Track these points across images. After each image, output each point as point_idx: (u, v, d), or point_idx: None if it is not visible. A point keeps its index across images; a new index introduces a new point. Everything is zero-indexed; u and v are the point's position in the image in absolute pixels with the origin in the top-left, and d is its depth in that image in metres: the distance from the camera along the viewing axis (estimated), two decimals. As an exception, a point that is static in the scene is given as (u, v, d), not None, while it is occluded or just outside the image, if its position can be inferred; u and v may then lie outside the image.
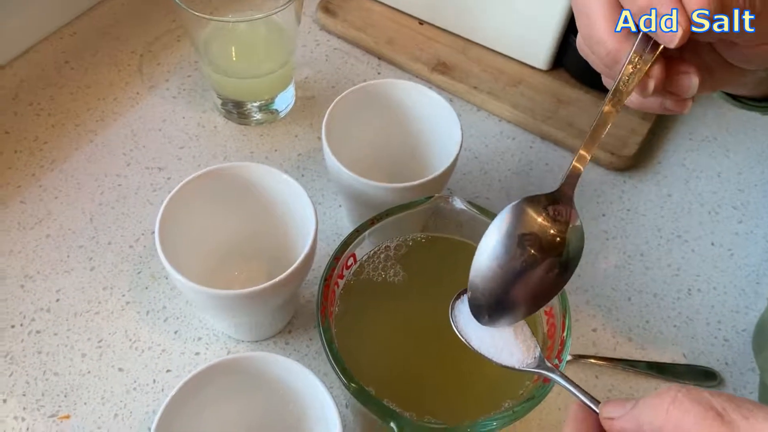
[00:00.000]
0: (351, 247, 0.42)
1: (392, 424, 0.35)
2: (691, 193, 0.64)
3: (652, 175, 0.65)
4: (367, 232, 0.42)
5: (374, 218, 0.43)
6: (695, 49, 0.35)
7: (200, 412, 0.41)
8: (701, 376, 0.53)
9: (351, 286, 0.43)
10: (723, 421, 0.26)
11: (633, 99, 0.36)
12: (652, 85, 0.34)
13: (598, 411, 0.31)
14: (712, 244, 0.60)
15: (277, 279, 0.43)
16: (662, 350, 0.54)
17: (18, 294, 0.54)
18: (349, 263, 0.43)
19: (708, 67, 0.36)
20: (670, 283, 0.58)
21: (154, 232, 0.45)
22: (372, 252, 0.44)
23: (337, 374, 0.37)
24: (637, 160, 0.64)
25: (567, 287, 0.56)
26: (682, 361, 0.54)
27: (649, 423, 0.28)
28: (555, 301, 0.40)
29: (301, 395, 0.41)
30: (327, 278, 0.40)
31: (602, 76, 0.37)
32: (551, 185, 0.62)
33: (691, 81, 0.34)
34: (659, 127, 0.68)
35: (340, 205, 0.60)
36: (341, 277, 0.42)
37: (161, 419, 0.39)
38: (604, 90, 0.36)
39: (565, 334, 0.39)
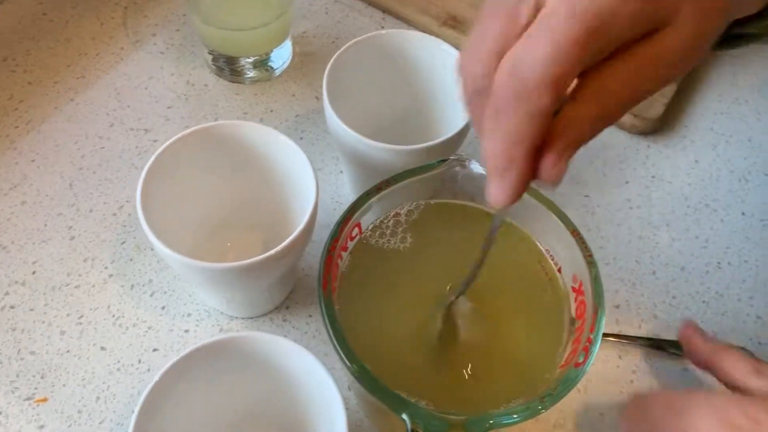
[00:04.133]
0: (357, 215, 0.37)
1: (404, 416, 0.31)
2: (720, 159, 0.59)
3: (678, 140, 0.60)
4: (374, 199, 0.38)
5: (382, 183, 0.38)
6: None
7: (188, 396, 0.37)
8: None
9: (355, 259, 0.38)
10: None
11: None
12: None
13: None
14: (743, 213, 0.56)
15: (273, 251, 0.39)
16: (690, 328, 0.50)
17: (-10, 266, 0.49)
18: (353, 234, 0.38)
19: None
20: (699, 255, 0.54)
21: (136, 199, 0.41)
22: (379, 221, 0.40)
23: (341, 358, 0.33)
24: (662, 123, 0.60)
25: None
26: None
27: None
28: (585, 277, 0.36)
29: (300, 378, 0.37)
30: (330, 249, 0.36)
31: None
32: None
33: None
34: (686, 90, 0.63)
35: (341, 171, 0.55)
36: (344, 248, 0.38)
37: (146, 403, 0.35)
38: None
39: (593, 334, 0.34)
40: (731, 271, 0.53)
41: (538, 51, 0.25)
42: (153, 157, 0.42)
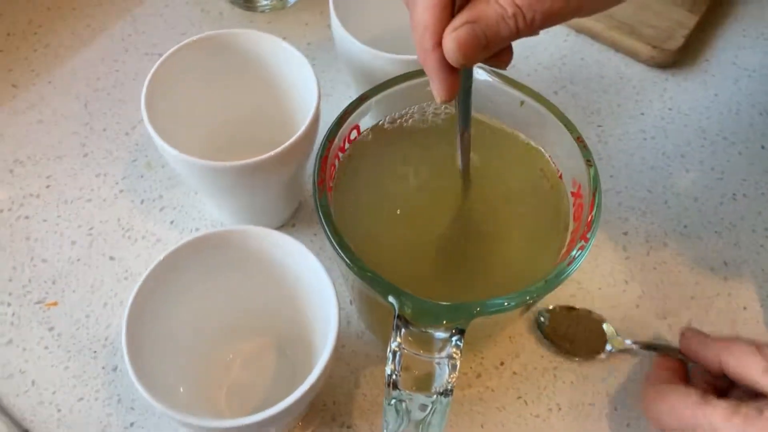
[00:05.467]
0: (354, 115, 0.37)
1: (391, 299, 0.31)
2: (741, 93, 0.57)
3: (698, 73, 0.58)
4: (373, 99, 0.38)
5: (382, 84, 0.38)
6: None
7: (183, 288, 0.38)
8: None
9: (354, 160, 0.38)
10: None
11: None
12: None
13: None
14: (763, 147, 0.54)
15: (274, 151, 0.39)
16: (701, 258, 0.49)
17: (7, 178, 0.50)
18: (352, 136, 0.38)
19: None
20: (713, 187, 0.52)
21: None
22: (379, 123, 0.39)
23: (332, 245, 0.33)
24: (682, 55, 0.58)
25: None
26: (722, 269, 0.49)
27: None
28: (584, 179, 0.35)
29: (295, 272, 0.38)
30: (327, 147, 0.36)
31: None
32: (584, 81, 0.57)
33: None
34: (709, 23, 0.61)
35: (350, 97, 0.55)
36: (342, 150, 0.38)
37: (140, 292, 0.35)
38: None
39: (594, 213, 0.34)
40: (747, 203, 0.52)
41: None
42: (156, 65, 0.42)
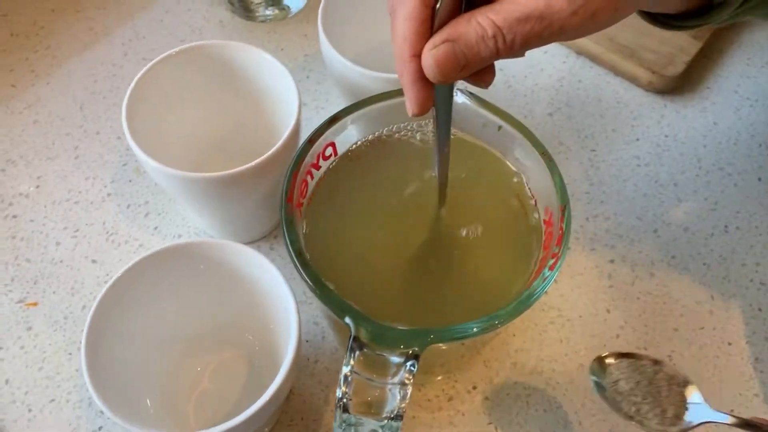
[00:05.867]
0: (328, 133, 0.37)
1: (347, 320, 0.31)
2: (741, 123, 0.56)
3: (698, 101, 0.57)
4: (349, 118, 0.37)
5: (360, 102, 0.38)
6: None
7: (147, 297, 0.38)
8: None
9: (328, 178, 0.38)
10: None
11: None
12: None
13: None
14: (759, 179, 0.53)
15: (254, 162, 0.39)
16: (687, 290, 0.48)
17: (-2, 177, 0.51)
18: (327, 153, 0.38)
19: None
20: (705, 217, 0.51)
21: (124, 110, 0.41)
22: (357, 143, 0.39)
23: (292, 259, 0.33)
24: (682, 81, 0.57)
25: (584, 214, 0.51)
26: (708, 302, 0.48)
27: None
28: (552, 200, 0.35)
29: (261, 285, 0.38)
30: (298, 163, 0.36)
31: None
32: (581, 104, 0.57)
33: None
34: (712, 49, 0.60)
35: (344, 110, 0.55)
36: (316, 167, 0.38)
37: (103, 300, 0.36)
38: None
39: (564, 225, 0.33)
40: (739, 236, 0.51)
41: None
42: (139, 74, 0.42)
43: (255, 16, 0.60)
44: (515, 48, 0.28)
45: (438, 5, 0.28)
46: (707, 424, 0.35)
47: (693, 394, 0.35)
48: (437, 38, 0.28)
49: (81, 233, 0.49)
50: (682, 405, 0.35)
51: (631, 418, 0.35)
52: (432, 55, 0.28)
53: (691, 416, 0.34)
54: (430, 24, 0.28)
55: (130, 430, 0.32)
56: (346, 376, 0.30)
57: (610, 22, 0.28)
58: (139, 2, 0.61)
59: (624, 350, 0.45)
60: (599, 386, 0.36)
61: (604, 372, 0.36)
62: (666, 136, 0.55)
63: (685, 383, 0.36)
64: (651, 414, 0.34)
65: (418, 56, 0.29)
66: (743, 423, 0.34)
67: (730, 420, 0.34)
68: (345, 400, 0.30)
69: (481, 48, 0.28)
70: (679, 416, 0.34)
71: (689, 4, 0.34)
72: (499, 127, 0.38)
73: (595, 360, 0.37)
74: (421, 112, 0.30)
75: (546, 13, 0.27)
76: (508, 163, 0.39)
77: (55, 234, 0.49)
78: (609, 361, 0.37)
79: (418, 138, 0.40)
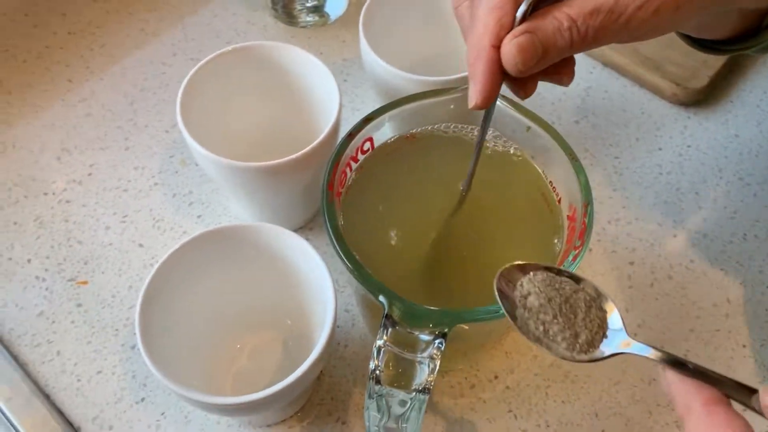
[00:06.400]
0: (368, 127, 0.40)
1: (381, 298, 0.33)
2: (762, 137, 0.58)
3: (721, 114, 0.59)
4: (387, 114, 0.40)
5: (397, 101, 0.41)
6: None
7: (193, 278, 0.41)
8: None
9: (364, 169, 0.41)
10: None
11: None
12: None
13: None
14: (779, 190, 0.55)
15: (295, 155, 0.42)
16: (704, 293, 0.50)
17: (54, 165, 0.55)
18: (365, 147, 0.41)
19: None
20: (724, 225, 0.53)
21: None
22: (393, 138, 0.42)
23: (331, 241, 0.35)
24: (705, 94, 0.59)
25: (606, 218, 0.53)
26: (725, 305, 0.49)
27: None
28: (576, 198, 0.37)
29: (302, 270, 0.41)
30: (339, 154, 0.39)
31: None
32: (606, 114, 0.59)
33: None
34: (737, 64, 0.62)
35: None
36: (355, 159, 0.41)
37: (153, 280, 0.39)
38: None
39: (587, 219, 0.36)
40: (757, 244, 0.52)
41: None
42: (194, 69, 0.45)
43: (297, 21, 0.63)
44: (588, 40, 0.30)
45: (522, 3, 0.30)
46: (625, 356, 0.29)
47: (614, 320, 0.29)
48: (518, 30, 0.30)
49: (129, 219, 0.52)
50: (600, 332, 0.29)
51: (538, 340, 0.29)
52: (515, 44, 0.30)
53: (607, 345, 0.28)
54: (513, 18, 0.30)
55: (180, 393, 0.35)
56: (379, 348, 0.32)
57: (670, 23, 0.31)
58: (188, 6, 0.65)
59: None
60: (504, 298, 0.30)
61: (513, 284, 0.30)
62: (688, 146, 0.57)
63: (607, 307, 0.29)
64: (560, 337, 0.28)
65: (497, 47, 0.30)
66: (668, 359, 0.28)
67: (652, 354, 0.28)
68: (377, 372, 0.33)
69: (558, 39, 0.30)
70: (592, 343, 0.28)
71: (734, 31, 0.36)
72: (528, 128, 0.40)
73: (505, 268, 0.30)
74: (486, 104, 0.31)
75: (615, 7, 0.29)
76: (534, 162, 0.42)
77: (105, 219, 0.52)
78: (523, 273, 0.30)
79: (449, 136, 0.43)
